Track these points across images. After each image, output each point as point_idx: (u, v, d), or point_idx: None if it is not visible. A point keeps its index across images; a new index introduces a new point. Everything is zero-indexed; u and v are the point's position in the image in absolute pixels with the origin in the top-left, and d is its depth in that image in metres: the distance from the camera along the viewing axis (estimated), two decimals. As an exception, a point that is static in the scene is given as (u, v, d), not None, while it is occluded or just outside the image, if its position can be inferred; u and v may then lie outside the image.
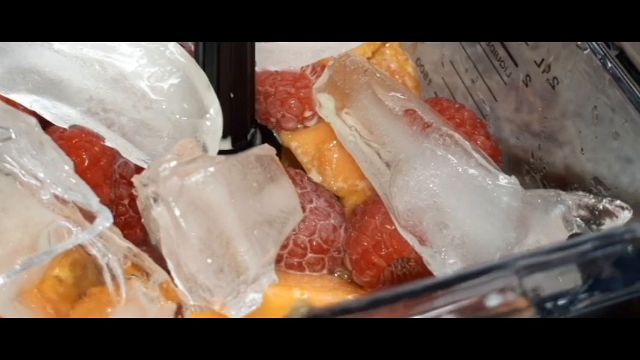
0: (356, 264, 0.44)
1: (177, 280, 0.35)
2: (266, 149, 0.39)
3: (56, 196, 0.34)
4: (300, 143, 0.50)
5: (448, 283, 0.22)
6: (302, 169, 0.49)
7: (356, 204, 0.47)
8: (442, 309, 0.22)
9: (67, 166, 0.33)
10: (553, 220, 0.38)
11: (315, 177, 0.49)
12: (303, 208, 0.43)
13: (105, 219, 0.32)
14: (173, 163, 0.34)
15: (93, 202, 0.32)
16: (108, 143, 0.42)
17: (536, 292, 0.24)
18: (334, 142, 0.49)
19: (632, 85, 0.38)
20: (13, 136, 0.31)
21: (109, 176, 0.42)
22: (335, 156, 0.49)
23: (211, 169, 0.35)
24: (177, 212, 0.34)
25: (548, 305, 0.25)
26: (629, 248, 0.23)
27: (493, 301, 0.23)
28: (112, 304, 0.35)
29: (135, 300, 0.35)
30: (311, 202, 0.45)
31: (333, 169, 0.49)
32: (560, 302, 0.26)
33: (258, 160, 0.37)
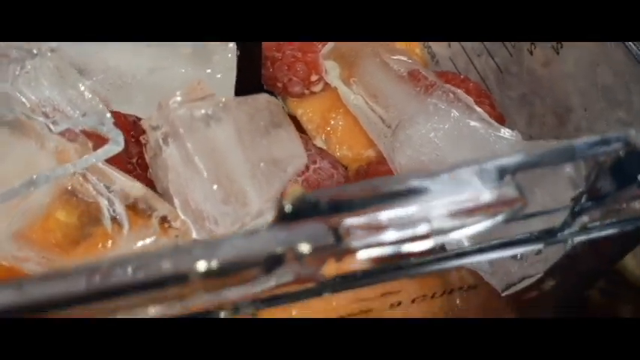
0: (358, 221, 0.44)
1: (183, 216, 0.36)
2: (274, 99, 0.40)
3: (67, 130, 0.34)
4: (305, 110, 0.50)
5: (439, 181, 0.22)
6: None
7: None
8: (440, 210, 0.22)
9: (84, 85, 0.33)
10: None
11: (320, 144, 0.49)
12: (307, 168, 0.44)
13: (116, 143, 0.33)
14: (182, 99, 0.35)
15: (107, 123, 0.33)
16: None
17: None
18: (340, 110, 0.49)
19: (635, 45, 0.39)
20: (36, 52, 0.32)
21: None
22: (340, 124, 0.49)
23: (220, 104, 0.35)
24: (187, 142, 0.34)
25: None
26: (621, 151, 0.23)
27: (487, 197, 0.23)
28: (114, 239, 0.36)
29: (135, 233, 0.35)
30: (315, 162, 0.45)
31: (338, 137, 0.49)
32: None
33: (267, 104, 0.38)
